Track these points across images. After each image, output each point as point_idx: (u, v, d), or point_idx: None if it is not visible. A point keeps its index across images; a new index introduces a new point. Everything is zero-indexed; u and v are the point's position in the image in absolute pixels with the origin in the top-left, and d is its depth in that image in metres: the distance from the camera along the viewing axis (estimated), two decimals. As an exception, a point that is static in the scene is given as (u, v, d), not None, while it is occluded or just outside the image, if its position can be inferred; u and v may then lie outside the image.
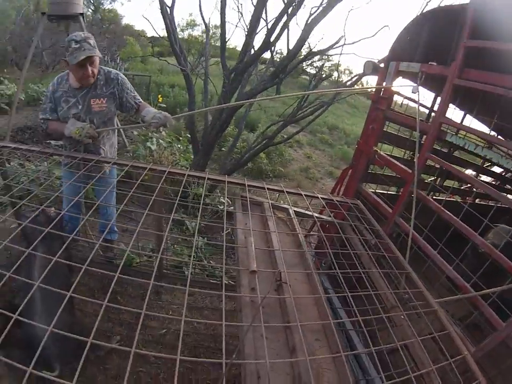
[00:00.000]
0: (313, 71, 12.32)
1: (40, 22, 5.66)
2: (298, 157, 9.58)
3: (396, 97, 2.97)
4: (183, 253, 3.32)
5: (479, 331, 2.09)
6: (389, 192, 3.13)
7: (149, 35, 19.58)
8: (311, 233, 2.67)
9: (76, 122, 2.38)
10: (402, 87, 2.81)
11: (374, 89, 3.02)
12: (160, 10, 4.31)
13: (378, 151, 2.82)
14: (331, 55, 5.09)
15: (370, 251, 2.06)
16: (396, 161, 2.72)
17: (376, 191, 3.08)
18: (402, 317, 1.76)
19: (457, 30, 2.21)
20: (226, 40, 4.65)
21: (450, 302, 2.42)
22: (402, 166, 2.63)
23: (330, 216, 2.21)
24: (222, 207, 4.02)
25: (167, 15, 4.34)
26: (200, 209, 1.72)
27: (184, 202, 2.08)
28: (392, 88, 2.76)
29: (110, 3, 20.69)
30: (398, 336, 1.62)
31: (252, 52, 4.46)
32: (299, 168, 8.61)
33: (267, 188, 2.17)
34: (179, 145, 5.86)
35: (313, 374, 1.42)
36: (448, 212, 2.25)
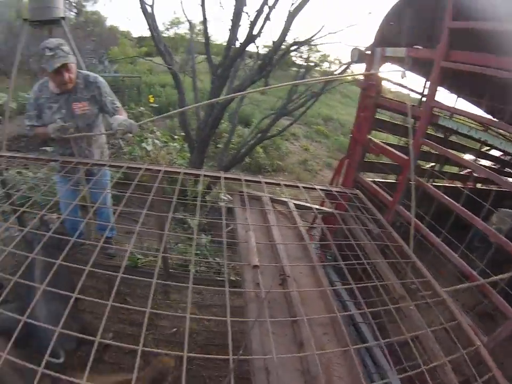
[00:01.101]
0: (303, 63, 12.22)
1: (22, 28, 5.59)
2: (295, 149, 9.53)
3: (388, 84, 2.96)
4: (187, 252, 3.30)
5: (492, 320, 2.05)
6: (387, 181, 3.10)
7: (134, 35, 19.80)
8: (313, 225, 2.65)
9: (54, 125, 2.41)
10: (391, 73, 2.78)
11: (362, 77, 3.00)
12: (141, 10, 4.26)
13: (373, 139, 2.80)
14: (317, 45, 5.03)
15: (373, 241, 2.04)
16: (391, 148, 2.70)
17: (375, 179, 3.05)
18: (411, 307, 1.74)
19: (440, 12, 2.18)
20: (210, 35, 4.61)
21: (461, 291, 2.40)
22: (398, 153, 2.61)
23: (335, 207, 2.19)
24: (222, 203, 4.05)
25: (148, 13, 4.28)
26: (198, 207, 1.70)
27: (182, 201, 2.07)
28: (380, 75, 2.74)
29: (93, 4, 20.26)
30: (409, 328, 1.61)
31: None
32: (297, 161, 8.57)
33: (264, 182, 2.14)
34: (175, 144, 5.82)
35: (322, 369, 1.41)
36: (448, 198, 2.22)
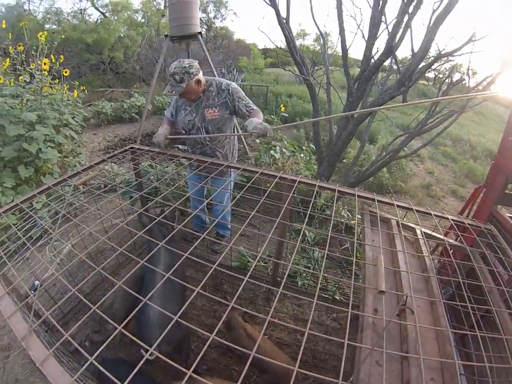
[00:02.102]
0: (431, 75, 11.21)
1: (164, 43, 6.42)
2: (419, 172, 8.83)
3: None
4: (299, 263, 3.27)
5: None
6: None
7: (259, 47, 21.91)
8: (440, 257, 2.39)
9: (160, 132, 2.81)
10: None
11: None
12: (277, 22, 4.42)
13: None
14: (459, 55, 4.39)
15: (501, 286, 1.77)
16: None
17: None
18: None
19: None
20: (348, 47, 4.51)
21: None
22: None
23: (460, 241, 1.97)
24: (342, 220, 3.98)
25: (285, 26, 4.44)
26: (332, 222, 1.68)
27: (313, 213, 2.04)
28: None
29: (221, 21, 22.65)
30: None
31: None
32: (420, 185, 7.93)
33: (396, 205, 2.04)
34: (302, 155, 5.87)
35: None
36: None
